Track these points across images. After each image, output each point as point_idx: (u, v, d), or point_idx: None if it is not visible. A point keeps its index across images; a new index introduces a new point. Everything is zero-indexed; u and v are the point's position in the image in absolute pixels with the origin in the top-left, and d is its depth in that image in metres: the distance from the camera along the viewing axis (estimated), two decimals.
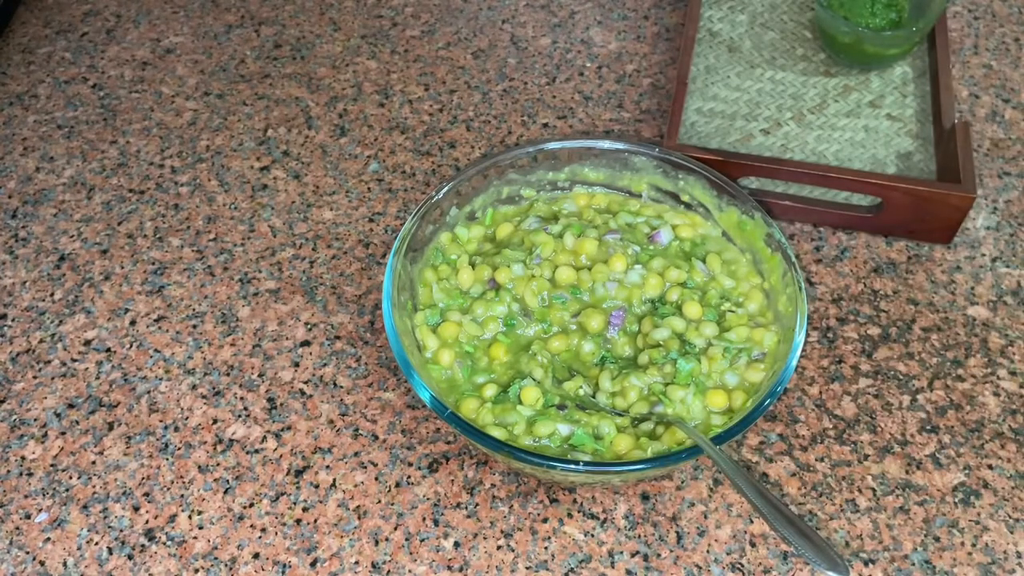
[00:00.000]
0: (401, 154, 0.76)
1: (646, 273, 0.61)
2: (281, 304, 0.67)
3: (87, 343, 0.65)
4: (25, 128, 0.80)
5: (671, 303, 0.60)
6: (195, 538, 0.56)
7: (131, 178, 0.76)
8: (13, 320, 0.67)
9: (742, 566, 0.54)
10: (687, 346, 0.57)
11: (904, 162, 0.72)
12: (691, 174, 0.64)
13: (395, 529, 0.56)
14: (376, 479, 0.58)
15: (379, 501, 0.57)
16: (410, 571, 0.54)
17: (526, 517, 0.56)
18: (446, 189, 0.62)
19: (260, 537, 0.56)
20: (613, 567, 0.54)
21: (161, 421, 0.61)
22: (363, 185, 0.74)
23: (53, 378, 0.64)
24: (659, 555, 0.55)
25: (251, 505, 0.57)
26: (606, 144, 0.65)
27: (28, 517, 0.57)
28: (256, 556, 0.55)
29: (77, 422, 0.61)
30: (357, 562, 0.55)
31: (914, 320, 0.65)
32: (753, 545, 0.55)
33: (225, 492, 0.58)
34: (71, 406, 0.62)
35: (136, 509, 0.57)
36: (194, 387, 0.63)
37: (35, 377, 0.64)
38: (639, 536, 0.55)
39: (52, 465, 0.59)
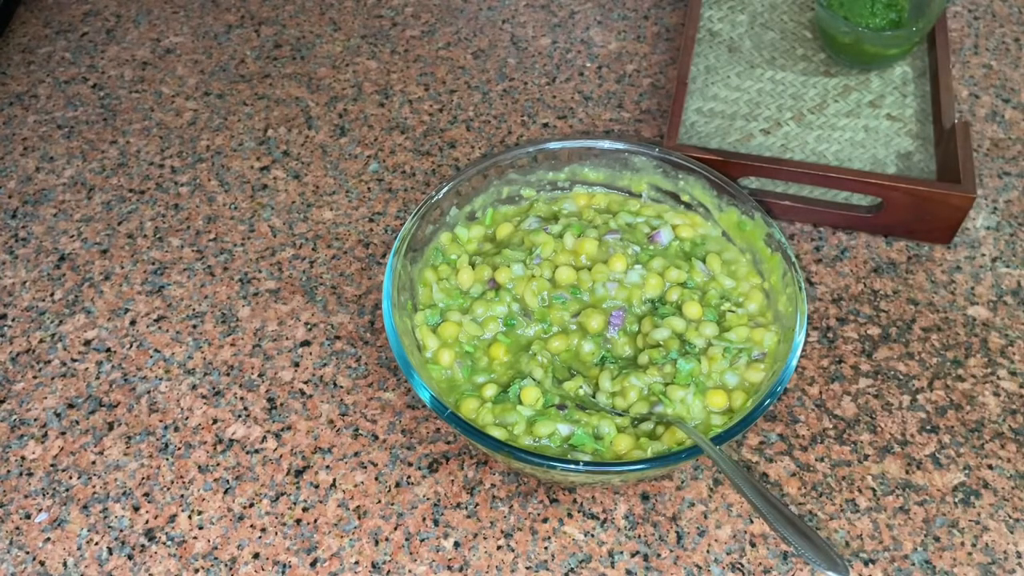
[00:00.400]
0: (401, 154, 0.76)
1: (646, 273, 0.61)
2: (281, 304, 0.67)
3: (87, 343, 0.65)
4: (25, 128, 0.80)
5: (671, 303, 0.60)
6: (195, 538, 0.56)
7: (131, 178, 0.76)
8: (13, 320, 0.67)
9: (742, 566, 0.54)
10: (687, 346, 0.57)
11: (904, 162, 0.72)
12: (691, 174, 0.64)
13: (395, 529, 0.56)
14: (376, 479, 0.58)
15: (379, 501, 0.57)
16: (410, 571, 0.54)
17: (526, 517, 0.56)
18: (446, 189, 0.62)
19: (260, 537, 0.56)
20: (613, 567, 0.54)
21: (161, 421, 0.61)
22: (363, 185, 0.74)
23: (53, 378, 0.64)
24: (659, 555, 0.55)
25: (251, 505, 0.57)
26: (606, 144, 0.65)
27: (28, 517, 0.57)
28: (256, 556, 0.55)
29: (77, 422, 0.61)
30: (357, 562, 0.55)
31: (914, 320, 0.65)
32: (753, 545, 0.55)
33: (225, 492, 0.58)
34: (71, 406, 0.62)
35: (136, 509, 0.57)
36: (194, 387, 0.63)
37: (35, 377, 0.64)
38: (639, 536, 0.55)
39: (52, 465, 0.59)
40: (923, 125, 0.74)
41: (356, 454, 0.59)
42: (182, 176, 0.76)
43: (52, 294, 0.68)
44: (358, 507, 0.57)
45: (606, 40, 0.85)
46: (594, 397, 0.57)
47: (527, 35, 0.86)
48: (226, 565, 0.55)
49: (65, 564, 0.55)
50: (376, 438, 0.60)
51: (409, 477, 0.58)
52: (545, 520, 0.56)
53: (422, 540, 0.56)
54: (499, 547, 0.55)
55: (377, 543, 0.56)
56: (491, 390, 0.56)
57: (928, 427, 0.60)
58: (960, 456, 0.58)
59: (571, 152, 0.65)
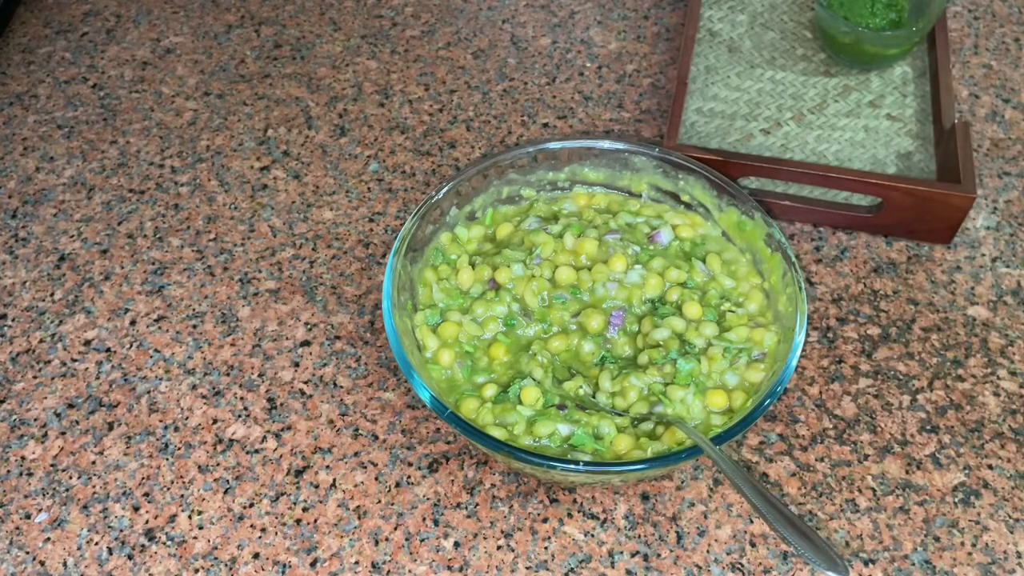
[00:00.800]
0: (401, 154, 0.76)
1: (646, 273, 0.61)
2: (281, 304, 0.67)
3: (87, 343, 0.65)
4: (25, 128, 0.80)
5: (671, 303, 0.60)
6: (195, 538, 0.56)
7: (131, 178, 0.76)
8: (13, 320, 0.67)
9: (742, 566, 0.54)
10: (687, 346, 0.57)
11: (904, 162, 0.72)
12: (691, 174, 0.64)
13: (395, 529, 0.56)
14: (376, 479, 0.58)
15: (379, 501, 0.57)
16: (410, 571, 0.54)
17: (526, 517, 0.56)
18: (446, 189, 0.62)
19: (260, 537, 0.56)
20: (613, 567, 0.54)
21: (161, 421, 0.61)
22: (363, 185, 0.74)
23: (53, 378, 0.64)
24: (659, 555, 0.55)
25: (251, 505, 0.57)
26: (606, 144, 0.65)
27: (28, 517, 0.57)
28: (256, 556, 0.55)
29: (77, 422, 0.61)
30: (357, 562, 0.55)
31: (914, 320, 0.65)
32: (753, 545, 0.55)
33: (225, 492, 0.58)
34: (71, 406, 0.62)
35: (136, 509, 0.57)
36: (194, 387, 0.63)
37: (35, 377, 0.64)
38: (639, 536, 0.55)
39: (52, 465, 0.59)
40: (923, 125, 0.74)
41: (356, 454, 0.59)
42: (182, 176, 0.76)
43: (52, 294, 0.68)
44: (358, 507, 0.57)
45: (606, 40, 0.85)
46: (594, 397, 0.57)
47: (527, 35, 0.86)
48: (226, 565, 0.55)
49: (65, 564, 0.55)
50: (376, 438, 0.60)
51: (409, 477, 0.58)
52: (545, 520, 0.56)
53: (422, 540, 0.56)
54: (499, 547, 0.55)
55: (377, 543, 0.56)
56: (491, 390, 0.56)
57: (928, 427, 0.60)
58: (960, 456, 0.58)
59: (571, 152, 0.65)
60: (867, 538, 0.55)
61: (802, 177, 0.67)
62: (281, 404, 0.62)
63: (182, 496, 0.58)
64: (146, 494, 0.58)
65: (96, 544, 0.56)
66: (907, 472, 0.58)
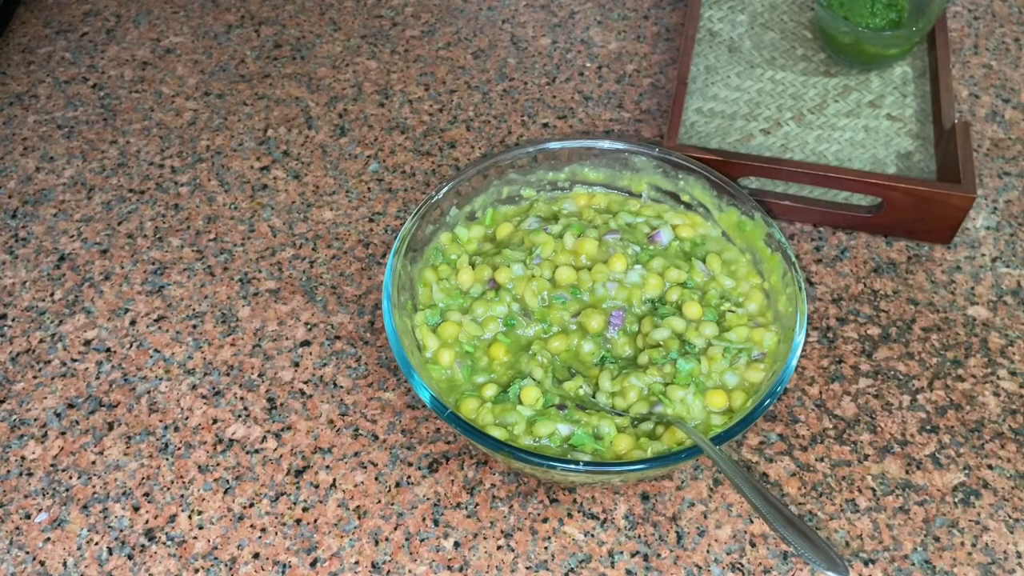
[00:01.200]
0: (401, 154, 0.76)
1: (646, 273, 0.61)
2: (281, 304, 0.67)
3: (87, 343, 0.65)
4: (25, 128, 0.80)
5: (671, 303, 0.60)
6: (195, 538, 0.56)
7: (131, 178, 0.76)
8: (13, 320, 0.67)
9: (742, 566, 0.54)
10: (687, 346, 0.57)
11: (904, 162, 0.72)
12: (691, 174, 0.64)
13: (395, 529, 0.56)
14: (376, 479, 0.58)
15: (379, 501, 0.57)
16: (410, 571, 0.54)
17: (526, 517, 0.56)
18: (446, 189, 0.62)
19: (260, 537, 0.56)
20: (613, 567, 0.54)
21: (161, 421, 0.61)
22: (363, 185, 0.74)
23: (53, 378, 0.64)
24: (659, 555, 0.55)
25: (251, 505, 0.57)
26: (606, 144, 0.65)
27: (28, 517, 0.57)
28: (256, 556, 0.55)
29: (77, 422, 0.61)
30: (357, 562, 0.55)
31: (914, 320, 0.65)
32: (753, 545, 0.55)
33: (225, 492, 0.58)
34: (71, 406, 0.62)
35: (136, 509, 0.57)
36: (194, 387, 0.63)
37: (35, 377, 0.64)
38: (639, 536, 0.55)
39: (52, 465, 0.59)
40: (923, 125, 0.74)
41: (356, 454, 0.59)
42: (182, 176, 0.76)
43: (52, 294, 0.68)
44: (358, 507, 0.57)
45: (606, 40, 0.85)
46: (594, 397, 0.57)
47: (527, 35, 0.86)
48: (226, 565, 0.55)
49: (65, 564, 0.55)
50: (376, 438, 0.60)
51: (409, 477, 0.58)
52: (545, 520, 0.56)
53: (422, 540, 0.56)
54: (499, 547, 0.55)
55: (377, 543, 0.56)
56: (491, 390, 0.56)
57: (928, 427, 0.60)
58: (960, 456, 0.58)
59: (571, 152, 0.65)
60: (867, 538, 0.55)
61: (802, 177, 0.67)
62: (281, 404, 0.62)
63: (182, 496, 0.58)
64: (146, 494, 0.58)
65: (96, 544, 0.56)
66: (907, 472, 0.58)
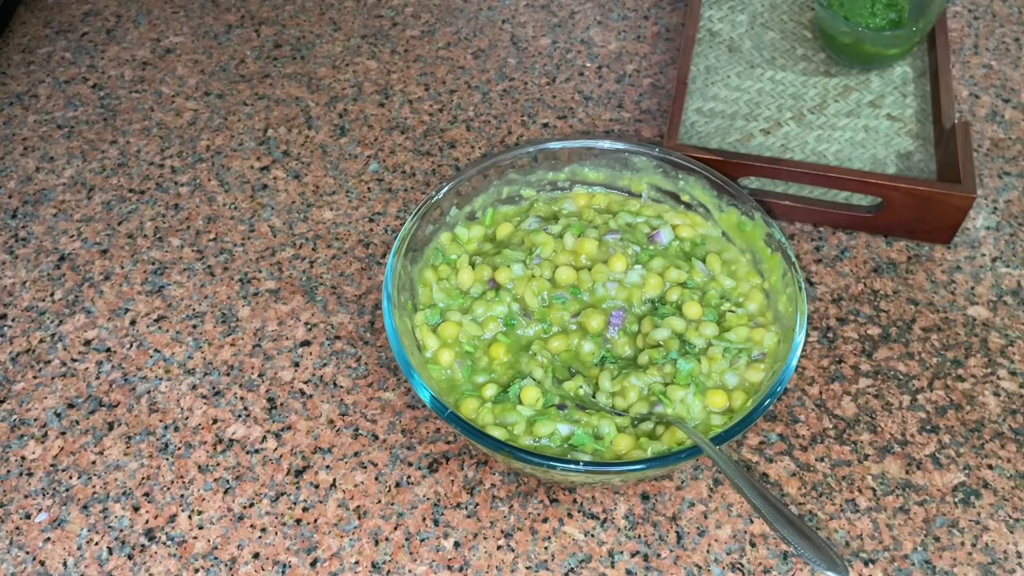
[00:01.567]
0: (401, 154, 0.76)
1: (646, 273, 0.61)
2: (281, 304, 0.67)
3: (87, 343, 0.65)
4: (25, 128, 0.80)
5: (671, 303, 0.60)
6: (195, 538, 0.56)
7: (131, 178, 0.76)
8: (13, 320, 0.67)
9: (742, 566, 0.54)
10: (687, 346, 0.57)
11: (904, 162, 0.72)
12: (691, 174, 0.64)
13: (395, 529, 0.56)
14: (376, 479, 0.58)
15: (379, 501, 0.57)
16: (410, 571, 0.54)
17: (526, 517, 0.56)
18: (446, 189, 0.62)
19: (260, 537, 0.56)
20: (613, 567, 0.54)
21: (161, 421, 0.61)
22: (363, 185, 0.74)
23: (53, 378, 0.64)
24: (659, 555, 0.55)
25: (251, 505, 0.57)
26: (606, 144, 0.65)
27: (28, 517, 0.57)
28: (256, 556, 0.55)
29: (77, 422, 0.61)
30: (357, 562, 0.55)
31: (914, 320, 0.65)
32: (753, 545, 0.55)
33: (225, 492, 0.58)
34: (71, 406, 0.62)
35: (136, 509, 0.57)
36: (194, 387, 0.63)
37: (35, 377, 0.64)
38: (639, 536, 0.55)
39: (52, 465, 0.59)
40: (923, 125, 0.74)
41: (356, 454, 0.59)
42: (182, 176, 0.76)
43: (52, 294, 0.68)
44: (358, 507, 0.57)
45: (606, 40, 0.85)
46: (594, 397, 0.57)
47: (527, 35, 0.86)
48: (226, 565, 0.55)
49: (65, 564, 0.55)
50: (376, 438, 0.60)
51: (409, 477, 0.58)
52: (545, 520, 0.56)
53: (422, 540, 0.56)
54: (499, 547, 0.55)
55: (377, 543, 0.56)
56: (491, 390, 0.56)
57: (928, 427, 0.60)
58: (960, 456, 0.58)
59: (571, 152, 0.65)
60: (867, 538, 0.55)
61: (802, 177, 0.67)
62: (281, 404, 0.62)
63: (182, 496, 0.58)
64: (146, 494, 0.58)
65: (96, 544, 0.56)
66: (907, 472, 0.58)
